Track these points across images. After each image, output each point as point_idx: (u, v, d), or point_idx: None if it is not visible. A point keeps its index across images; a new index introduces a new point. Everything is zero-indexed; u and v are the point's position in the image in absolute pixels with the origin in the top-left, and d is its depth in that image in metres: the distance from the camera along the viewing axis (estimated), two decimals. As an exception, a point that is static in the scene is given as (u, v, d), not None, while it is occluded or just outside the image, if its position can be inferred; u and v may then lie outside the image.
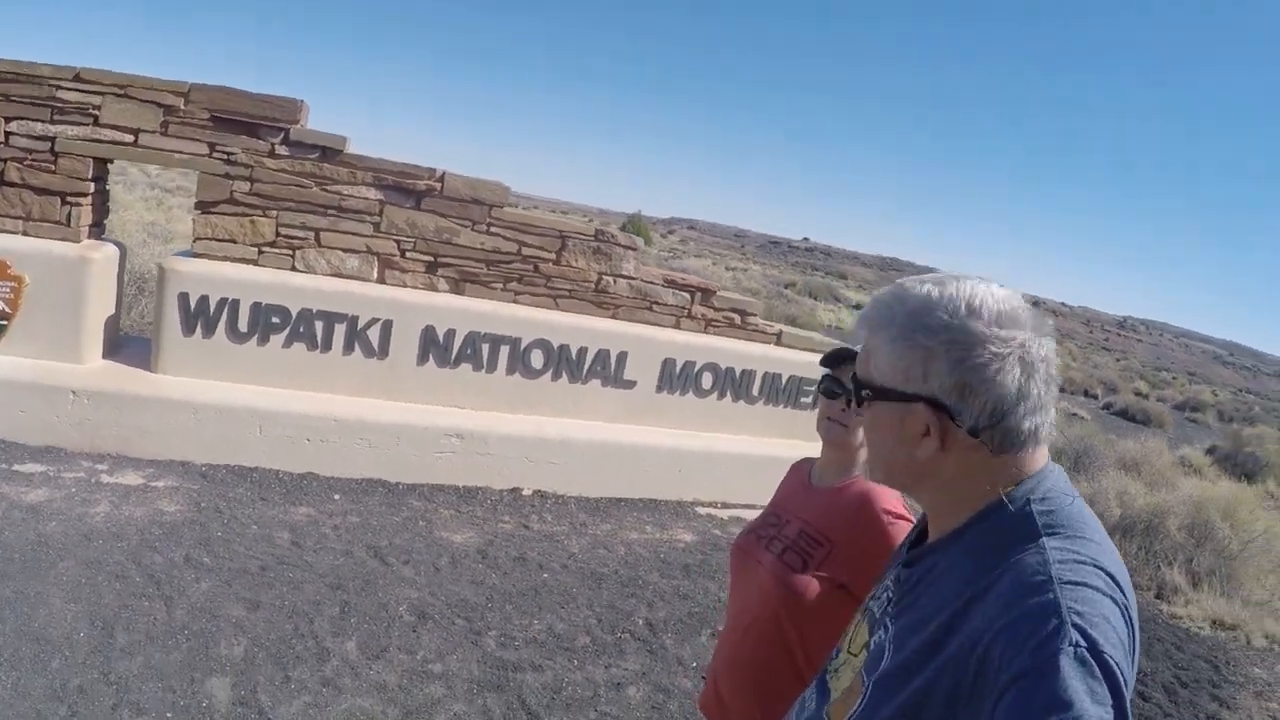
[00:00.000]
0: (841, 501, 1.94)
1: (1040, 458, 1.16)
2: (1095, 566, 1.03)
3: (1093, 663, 0.91)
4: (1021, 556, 1.05)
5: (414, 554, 4.93)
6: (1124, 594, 1.02)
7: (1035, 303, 1.21)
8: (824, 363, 2.07)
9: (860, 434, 1.97)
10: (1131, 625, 1.00)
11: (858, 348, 1.95)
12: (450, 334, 6.30)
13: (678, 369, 6.98)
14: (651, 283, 7.07)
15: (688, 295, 7.19)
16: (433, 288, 6.47)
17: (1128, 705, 0.93)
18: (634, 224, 34.99)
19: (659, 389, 6.96)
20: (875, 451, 1.27)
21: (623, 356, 6.78)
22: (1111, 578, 1.02)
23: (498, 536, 5.43)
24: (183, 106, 5.74)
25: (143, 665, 3.43)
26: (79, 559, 4.11)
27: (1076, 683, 0.90)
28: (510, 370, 6.51)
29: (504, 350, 6.46)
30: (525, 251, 6.65)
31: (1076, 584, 0.99)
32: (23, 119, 5.52)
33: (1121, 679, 0.92)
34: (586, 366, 6.70)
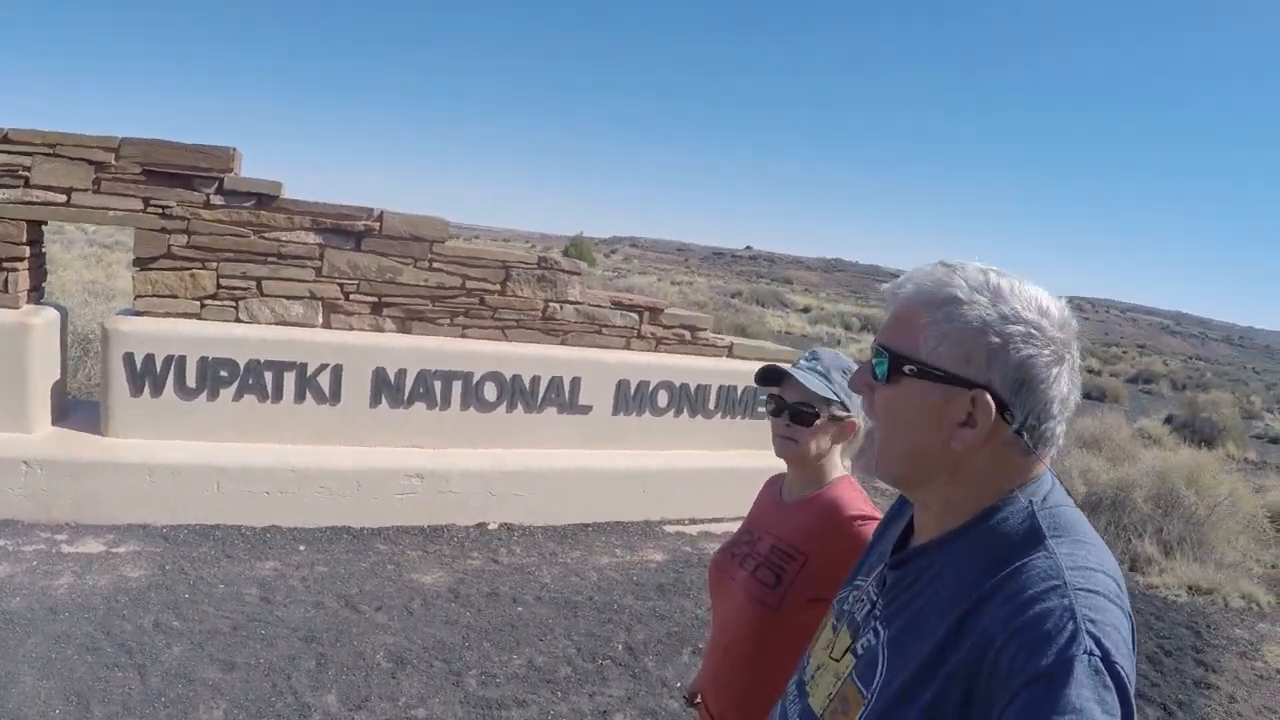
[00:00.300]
0: (810, 512, 1.96)
1: (1046, 463, 1.17)
2: (1104, 574, 1.04)
3: (1105, 672, 0.92)
4: (1030, 560, 1.05)
5: (385, 599, 4.90)
6: (1126, 601, 1.04)
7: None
8: (761, 382, 2.09)
9: (815, 445, 1.99)
10: (1133, 633, 1.02)
11: (807, 372, 1.97)
12: (401, 374, 6.26)
13: (633, 390, 7.02)
14: (599, 305, 7.10)
15: (636, 315, 7.24)
16: (379, 328, 6.44)
17: (1134, 717, 0.94)
18: (576, 247, 35.07)
19: (615, 411, 6.99)
20: (897, 434, 1.19)
21: (576, 382, 6.80)
22: (1117, 585, 1.04)
23: (468, 574, 5.41)
24: (114, 162, 5.65)
25: (121, 738, 3.38)
26: (46, 634, 4.02)
27: (1088, 691, 0.90)
28: (465, 405, 6.49)
29: (457, 386, 6.44)
30: (470, 285, 6.65)
31: (1090, 591, 0.99)
32: (-48, 185, 5.38)
33: (1130, 690, 0.94)
34: (541, 395, 6.71)
